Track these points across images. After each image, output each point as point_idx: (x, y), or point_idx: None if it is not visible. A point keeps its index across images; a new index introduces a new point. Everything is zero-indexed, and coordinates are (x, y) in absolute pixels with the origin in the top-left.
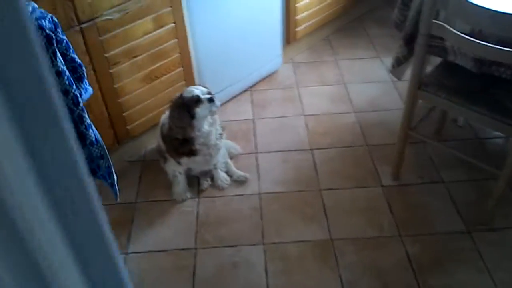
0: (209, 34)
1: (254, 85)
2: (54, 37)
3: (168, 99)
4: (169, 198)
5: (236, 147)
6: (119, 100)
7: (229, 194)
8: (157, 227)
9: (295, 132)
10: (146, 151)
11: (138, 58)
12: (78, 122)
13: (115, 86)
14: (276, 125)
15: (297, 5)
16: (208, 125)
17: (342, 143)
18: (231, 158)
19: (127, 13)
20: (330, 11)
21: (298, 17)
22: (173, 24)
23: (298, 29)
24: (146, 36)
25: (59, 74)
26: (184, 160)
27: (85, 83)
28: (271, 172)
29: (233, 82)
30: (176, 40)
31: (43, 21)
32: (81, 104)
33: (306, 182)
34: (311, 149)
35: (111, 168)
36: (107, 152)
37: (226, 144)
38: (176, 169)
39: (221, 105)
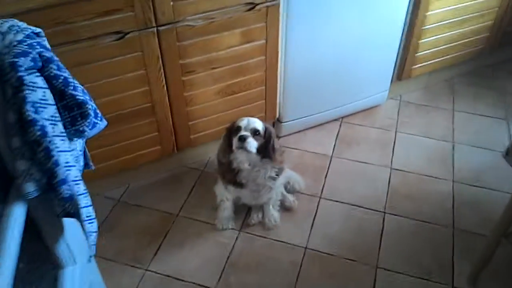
0: (306, 55)
1: (347, 116)
2: (34, 78)
3: (244, 115)
4: (210, 221)
5: (301, 183)
6: (187, 109)
7: (273, 238)
8: (186, 251)
9: (373, 186)
10: (209, 160)
11: (216, 70)
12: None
13: (185, 94)
14: (354, 171)
15: (420, 41)
16: (248, 164)
17: (423, 215)
18: (290, 192)
19: (212, 22)
20: (461, 53)
21: (419, 54)
22: (263, 41)
23: (415, 67)
24: (230, 50)
25: (29, 123)
26: (231, 188)
27: (94, 117)
28: (328, 226)
29: (323, 109)
30: (263, 57)
31: (22, 59)
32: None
33: (363, 252)
34: (384, 212)
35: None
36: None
37: (290, 176)
38: (224, 193)
39: (302, 131)
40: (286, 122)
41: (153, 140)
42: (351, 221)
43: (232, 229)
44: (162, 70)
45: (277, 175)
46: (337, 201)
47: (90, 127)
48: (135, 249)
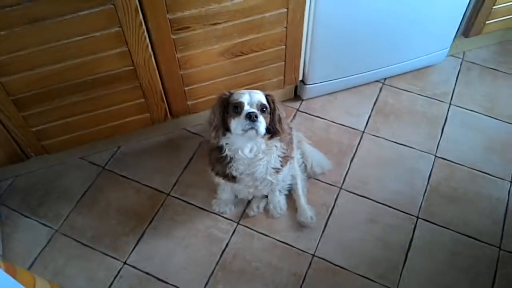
0: (342, 4)
1: (390, 77)
2: None
3: (256, 80)
4: (205, 207)
5: (324, 164)
6: (181, 73)
7: (275, 237)
8: (172, 244)
9: (408, 178)
10: None
11: (218, 26)
12: None
13: (177, 55)
14: (389, 155)
15: None
16: (249, 150)
17: (468, 227)
18: (310, 176)
19: None
20: None
21: (498, 7)
22: None
23: (490, 21)
24: (236, 0)
25: None
26: (220, 180)
27: None
28: (345, 229)
29: (361, 70)
30: (284, 10)
31: None
32: None
33: (384, 269)
34: (417, 217)
35: None
36: None
37: (311, 154)
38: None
39: (332, 93)
40: (312, 84)
41: (139, 107)
42: (374, 224)
43: (230, 220)
44: (143, 26)
45: (281, 166)
46: (360, 196)
47: None
48: (115, 234)
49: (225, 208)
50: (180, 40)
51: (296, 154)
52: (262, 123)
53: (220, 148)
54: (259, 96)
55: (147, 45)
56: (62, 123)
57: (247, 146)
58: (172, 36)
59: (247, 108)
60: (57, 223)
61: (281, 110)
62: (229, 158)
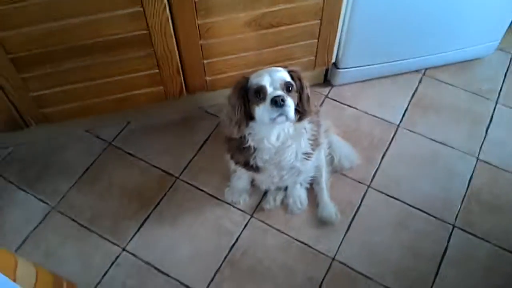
0: None
1: (432, 67)
2: None
3: (283, 58)
4: (216, 195)
5: (353, 158)
6: (201, 42)
7: (292, 234)
8: (178, 232)
9: (445, 182)
10: None
11: None
12: None
13: (198, 21)
14: (425, 154)
15: None
16: (276, 138)
17: (509, 242)
18: (336, 171)
19: None
20: None
21: None
22: None
23: None
24: None
25: None
26: (242, 170)
27: None
28: (371, 232)
29: (401, 56)
30: None
31: None
32: None
33: (412, 281)
34: (454, 225)
35: None
36: None
37: (339, 146)
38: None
39: (366, 81)
40: (345, 69)
41: (152, 78)
42: (404, 230)
43: (243, 211)
44: None
45: (312, 150)
46: (390, 196)
47: None
48: (116, 216)
49: (238, 198)
50: (202, 3)
51: (323, 143)
52: (291, 106)
53: (242, 137)
54: (282, 74)
55: (165, 6)
56: (64, 89)
57: (273, 134)
58: None
59: (270, 92)
60: (55, 200)
61: (308, 87)
62: (252, 148)
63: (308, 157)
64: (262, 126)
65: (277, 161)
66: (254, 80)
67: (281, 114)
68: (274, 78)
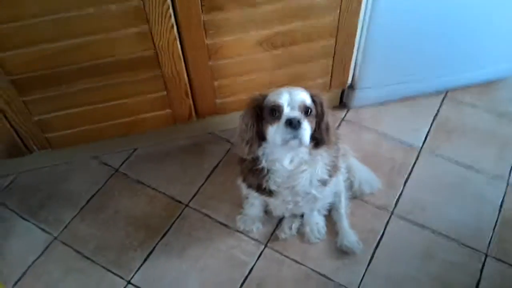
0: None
1: (454, 90)
2: None
3: (297, 79)
4: (228, 223)
5: (374, 183)
6: (211, 63)
7: (310, 266)
8: (185, 265)
9: (474, 208)
10: None
11: (257, 9)
12: None
13: (207, 41)
14: (451, 179)
15: None
16: (289, 162)
17: None
18: (356, 196)
19: None
20: None
21: None
22: None
23: None
24: None
25: None
26: (253, 193)
27: None
28: (395, 264)
29: (420, 76)
30: None
31: None
32: None
33: None
34: (486, 254)
35: None
36: None
37: (359, 170)
38: (249, 192)
39: (384, 103)
40: (363, 90)
41: (160, 101)
42: (432, 261)
43: (256, 241)
44: (168, 1)
45: (330, 176)
46: (416, 224)
47: None
48: (121, 247)
49: (251, 226)
50: (211, 22)
51: (341, 167)
52: (306, 131)
53: (255, 158)
54: (302, 96)
55: (172, 26)
56: (68, 113)
57: (287, 157)
58: (202, 17)
59: (287, 112)
60: (57, 229)
61: (330, 115)
62: (265, 170)
63: (324, 184)
64: (275, 147)
65: (291, 185)
66: (272, 97)
67: (294, 137)
68: (293, 98)
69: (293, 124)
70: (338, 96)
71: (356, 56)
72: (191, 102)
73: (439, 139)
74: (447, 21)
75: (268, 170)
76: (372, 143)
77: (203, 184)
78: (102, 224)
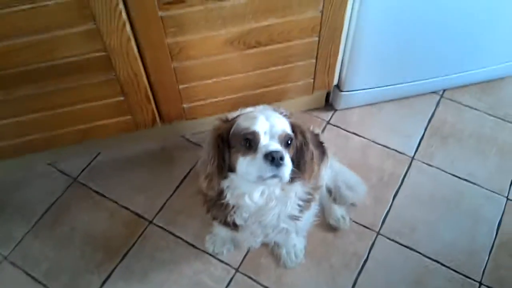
0: None
1: (451, 88)
2: None
3: (275, 82)
4: (196, 244)
5: (360, 190)
6: (174, 65)
7: None
8: None
9: (470, 227)
10: None
11: (226, 3)
12: None
13: (168, 40)
14: (445, 193)
15: None
16: (260, 194)
17: None
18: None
19: None
20: None
21: None
22: None
23: None
24: None
25: None
26: (219, 226)
27: None
28: None
29: (415, 78)
30: None
31: None
32: None
33: None
34: (480, 283)
35: None
36: None
37: (341, 173)
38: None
39: (375, 104)
40: (350, 91)
41: (117, 106)
42: None
43: (227, 265)
44: None
45: (301, 211)
46: (404, 246)
47: None
48: (77, 269)
49: (221, 248)
50: (171, 19)
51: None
52: (287, 167)
53: (220, 194)
54: (283, 123)
55: (124, 23)
56: (18, 120)
57: (257, 190)
58: (160, 13)
59: (265, 143)
60: (7, 248)
61: (311, 144)
62: (231, 205)
63: (296, 219)
64: (241, 180)
65: (259, 220)
66: (244, 122)
67: (274, 176)
68: (272, 125)
69: (275, 160)
70: (323, 97)
71: (343, 55)
72: (153, 107)
73: (434, 146)
74: (444, 14)
75: (233, 206)
76: (359, 150)
77: (171, 196)
78: (57, 242)
